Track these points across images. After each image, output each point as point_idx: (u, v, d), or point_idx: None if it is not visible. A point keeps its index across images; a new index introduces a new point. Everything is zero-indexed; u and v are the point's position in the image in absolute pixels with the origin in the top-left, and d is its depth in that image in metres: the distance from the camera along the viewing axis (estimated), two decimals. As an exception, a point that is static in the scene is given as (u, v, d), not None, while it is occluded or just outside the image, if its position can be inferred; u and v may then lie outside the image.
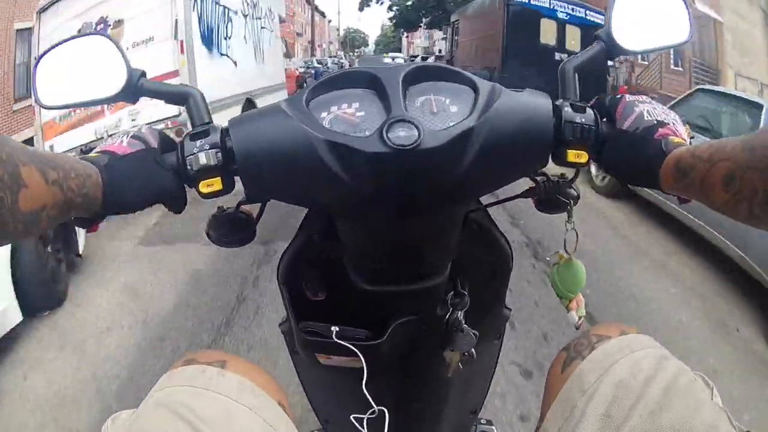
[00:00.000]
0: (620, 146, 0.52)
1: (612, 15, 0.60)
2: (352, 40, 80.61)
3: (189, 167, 0.49)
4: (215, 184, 0.49)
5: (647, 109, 0.53)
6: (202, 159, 0.49)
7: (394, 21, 38.78)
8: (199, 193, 0.50)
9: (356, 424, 0.55)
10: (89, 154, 0.51)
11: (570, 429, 0.51)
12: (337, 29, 72.01)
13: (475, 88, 0.51)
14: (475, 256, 0.63)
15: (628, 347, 0.54)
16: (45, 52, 0.59)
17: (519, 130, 0.50)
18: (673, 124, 0.52)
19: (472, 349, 0.61)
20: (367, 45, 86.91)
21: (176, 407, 0.48)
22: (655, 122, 0.52)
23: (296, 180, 0.49)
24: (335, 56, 31.86)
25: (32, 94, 0.60)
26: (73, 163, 0.44)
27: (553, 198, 0.61)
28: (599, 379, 0.52)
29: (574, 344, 0.59)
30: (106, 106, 4.59)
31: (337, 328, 0.58)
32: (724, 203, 0.42)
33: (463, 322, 0.61)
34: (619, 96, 0.56)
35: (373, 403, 0.54)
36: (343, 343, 0.57)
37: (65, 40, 0.58)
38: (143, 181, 0.50)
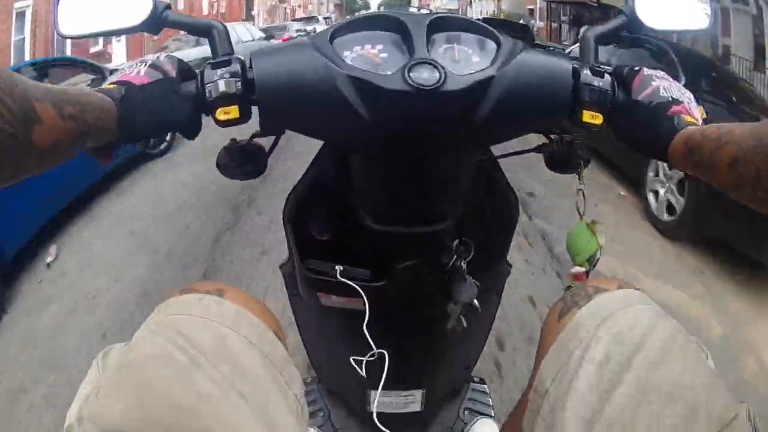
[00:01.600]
0: (634, 116, 0.54)
1: None
2: (349, 2, 71.48)
3: (208, 94, 0.49)
4: (232, 111, 0.49)
5: (663, 85, 0.55)
6: (222, 86, 0.49)
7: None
8: (216, 120, 0.50)
9: (355, 366, 0.54)
10: (106, 85, 0.51)
11: (567, 376, 0.50)
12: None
13: (497, 42, 0.52)
14: (482, 206, 0.63)
15: (626, 300, 0.54)
16: (67, -17, 0.59)
17: (538, 86, 0.51)
18: (688, 103, 0.54)
19: (475, 301, 0.61)
20: (369, 8, 77.21)
21: (172, 335, 0.48)
22: (670, 99, 0.53)
23: (315, 112, 0.49)
24: (328, 16, 25.73)
25: (53, 24, 0.59)
26: (89, 97, 0.45)
27: (565, 157, 0.62)
28: (597, 328, 0.52)
29: (571, 294, 0.59)
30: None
31: (342, 267, 0.58)
32: (728, 184, 0.44)
33: (466, 271, 0.61)
34: (637, 68, 0.57)
35: (373, 345, 0.54)
36: (347, 281, 0.56)
37: None
38: (159, 110, 0.50)
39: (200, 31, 0.55)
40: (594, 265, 0.65)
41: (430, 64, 0.46)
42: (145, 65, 0.52)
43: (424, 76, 0.46)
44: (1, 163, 0.33)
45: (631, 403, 0.46)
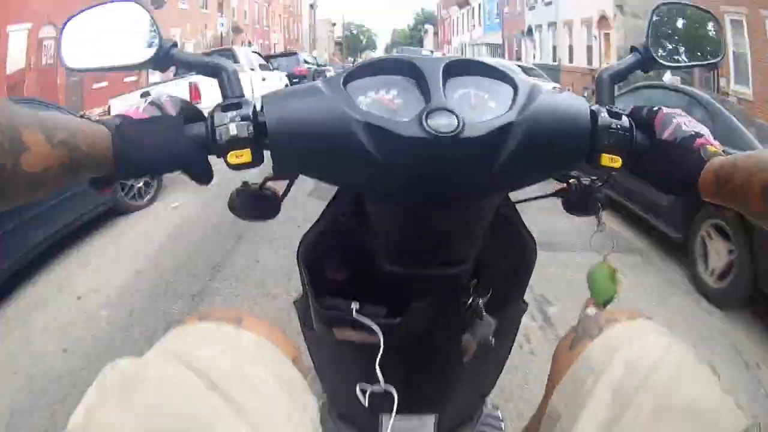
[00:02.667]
0: (659, 155, 0.53)
1: (650, 29, 0.60)
2: (353, 41, 63.76)
3: (218, 138, 0.48)
4: (244, 155, 0.48)
5: (684, 122, 0.55)
6: (233, 130, 0.48)
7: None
8: (228, 163, 0.49)
9: (360, 396, 0.54)
10: (103, 118, 0.50)
11: (578, 404, 0.51)
12: (333, 24, 58.77)
13: (514, 86, 0.51)
14: (500, 249, 0.63)
15: (638, 331, 0.55)
16: (74, 15, 0.58)
17: (556, 130, 0.50)
18: (708, 136, 0.54)
19: (491, 337, 0.61)
20: (375, 48, 69.00)
21: (187, 358, 0.46)
22: (693, 133, 0.53)
23: (329, 158, 0.49)
24: (313, 64, 18.45)
25: (58, 56, 0.58)
26: (81, 125, 0.44)
27: (582, 200, 0.61)
28: (609, 359, 0.52)
29: (582, 325, 0.59)
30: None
31: (358, 305, 0.57)
32: (761, 213, 0.44)
33: (483, 310, 0.60)
34: (656, 108, 0.57)
35: (381, 380, 0.54)
36: (362, 319, 0.56)
37: (96, 5, 0.58)
38: (157, 145, 0.49)
39: (208, 71, 0.54)
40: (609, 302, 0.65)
41: (447, 110, 0.46)
42: (145, 102, 0.52)
43: (442, 123, 0.45)
44: None
45: (642, 426, 0.46)
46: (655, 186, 0.56)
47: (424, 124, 0.45)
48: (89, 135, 0.44)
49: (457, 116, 0.45)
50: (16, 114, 0.36)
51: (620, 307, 0.62)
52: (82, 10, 0.58)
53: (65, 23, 0.58)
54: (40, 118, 0.39)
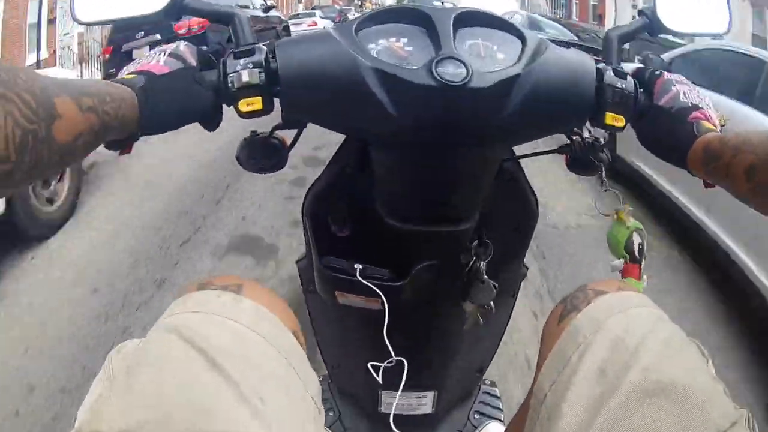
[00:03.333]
0: (654, 121, 0.54)
1: None
2: None
3: (230, 85, 0.49)
4: (255, 103, 0.48)
5: (684, 91, 0.55)
6: (245, 77, 0.48)
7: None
8: (238, 111, 0.49)
9: (373, 373, 0.53)
10: (125, 75, 0.50)
11: (563, 383, 0.50)
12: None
13: (522, 39, 0.51)
14: (502, 208, 0.63)
15: (625, 303, 0.54)
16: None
17: (562, 85, 0.50)
18: (707, 108, 0.54)
19: (491, 302, 0.61)
20: None
21: (188, 334, 0.46)
22: (690, 105, 0.53)
23: (339, 104, 0.49)
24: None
25: (69, 10, 0.58)
26: (108, 88, 0.44)
27: (585, 158, 0.62)
28: (594, 333, 0.51)
29: (570, 297, 0.58)
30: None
31: (361, 266, 0.57)
32: (745, 192, 0.44)
33: (484, 273, 0.60)
34: (658, 72, 0.57)
35: (392, 352, 0.53)
36: (365, 282, 0.55)
37: None
38: (180, 101, 0.50)
39: (221, 18, 0.54)
40: (639, 253, 0.64)
41: (456, 60, 0.46)
42: (165, 54, 0.52)
43: (451, 71, 0.45)
44: (21, 160, 0.33)
45: (626, 409, 0.45)
46: (649, 148, 0.56)
47: (434, 71, 0.45)
48: (116, 98, 0.44)
49: (465, 65, 0.46)
50: (48, 83, 0.36)
51: (610, 279, 0.61)
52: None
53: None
54: (69, 84, 0.39)
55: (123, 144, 0.50)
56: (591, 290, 0.56)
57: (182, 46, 0.53)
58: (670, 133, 0.52)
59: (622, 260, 0.64)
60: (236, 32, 0.53)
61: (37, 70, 0.39)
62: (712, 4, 0.65)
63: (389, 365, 0.53)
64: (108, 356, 0.50)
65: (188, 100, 0.50)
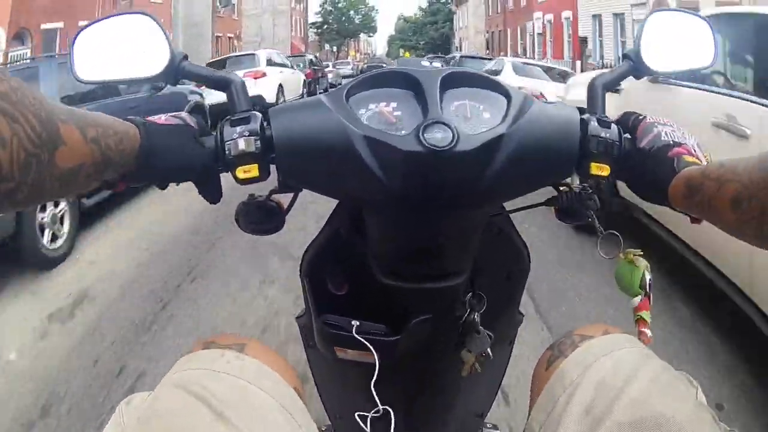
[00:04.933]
0: (636, 162, 0.55)
1: (642, 36, 0.62)
2: (338, 20, 44.52)
3: (227, 152, 0.50)
4: (252, 170, 0.50)
5: (666, 131, 0.56)
6: (241, 145, 0.50)
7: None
8: (236, 178, 0.51)
9: (359, 422, 0.55)
10: (129, 117, 0.51)
11: (552, 424, 0.52)
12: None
13: (508, 97, 0.53)
14: (493, 259, 0.65)
15: (611, 346, 0.56)
16: (85, 27, 0.59)
17: (547, 141, 0.52)
18: (689, 146, 0.54)
19: (488, 350, 0.63)
20: (374, 30, 54.65)
21: (194, 389, 0.49)
22: (671, 142, 0.54)
23: (332, 171, 0.51)
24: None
25: (69, 67, 0.60)
26: (112, 121, 0.45)
27: (574, 208, 0.63)
28: (581, 376, 0.53)
29: (558, 343, 0.61)
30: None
31: (358, 323, 0.59)
32: (731, 223, 0.43)
33: (479, 323, 0.62)
34: (641, 116, 0.58)
35: (378, 402, 0.55)
36: (359, 338, 0.58)
37: (108, 17, 0.59)
38: (180, 151, 0.51)
39: (217, 83, 0.56)
40: (650, 288, 0.65)
41: (443, 124, 0.48)
42: (166, 115, 0.54)
43: (438, 136, 0.47)
44: (24, 181, 0.33)
45: None
46: (633, 191, 0.57)
47: (421, 137, 0.47)
48: (119, 132, 0.45)
49: (452, 129, 0.47)
50: (54, 108, 0.36)
51: (595, 324, 0.63)
52: (93, 22, 0.59)
53: (76, 35, 0.59)
54: (75, 113, 0.39)
55: (116, 183, 0.50)
56: (577, 336, 0.59)
57: (184, 113, 0.55)
58: (651, 172, 0.53)
59: (639, 298, 0.65)
60: (232, 98, 0.54)
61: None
62: (696, 37, 0.66)
63: (376, 415, 0.56)
64: (118, 408, 0.53)
65: (186, 156, 0.51)
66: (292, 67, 12.97)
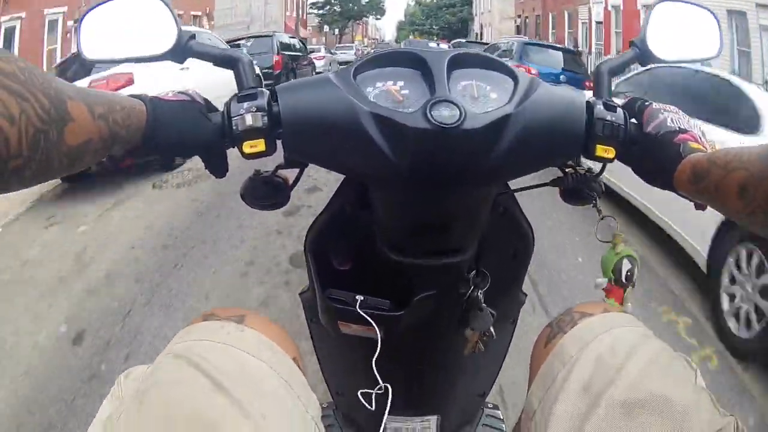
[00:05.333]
0: (642, 147, 0.55)
1: (648, 24, 0.62)
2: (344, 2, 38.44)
3: (234, 127, 0.51)
4: (259, 145, 0.50)
5: (671, 117, 0.56)
6: (249, 120, 0.50)
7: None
8: (242, 153, 0.51)
9: (363, 400, 0.56)
10: (136, 93, 0.52)
11: (550, 400, 0.52)
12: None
13: (515, 79, 0.53)
14: (498, 238, 0.65)
15: (610, 323, 0.56)
16: (93, 7, 0.59)
17: (553, 122, 0.52)
18: (694, 132, 0.55)
19: (491, 328, 0.63)
20: (383, 13, 47.32)
21: (195, 359, 0.49)
22: (677, 129, 0.54)
23: (338, 148, 0.51)
24: None
25: (77, 46, 0.60)
26: (119, 98, 0.46)
27: (578, 189, 0.63)
28: (579, 352, 0.53)
29: (557, 320, 0.61)
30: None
31: (362, 298, 0.60)
32: (738, 211, 0.43)
33: (482, 301, 0.62)
34: (647, 102, 0.59)
35: (379, 379, 0.56)
36: (363, 314, 0.58)
37: None
38: (186, 126, 0.51)
39: (225, 62, 0.56)
40: (629, 276, 0.66)
41: (450, 102, 0.48)
42: (173, 91, 0.54)
43: (445, 114, 0.47)
44: (32, 158, 0.33)
45: (609, 423, 0.47)
46: (638, 175, 0.57)
47: (428, 115, 0.47)
48: (126, 108, 0.46)
49: (459, 107, 0.47)
50: (64, 86, 0.37)
51: (596, 302, 0.63)
52: (102, 2, 0.60)
53: (84, 14, 0.60)
54: (82, 90, 0.40)
55: (121, 157, 0.51)
56: (577, 313, 0.59)
57: (191, 90, 0.55)
58: (657, 157, 0.53)
59: (605, 280, 0.67)
60: (239, 76, 0.55)
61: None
62: (702, 28, 0.66)
63: (380, 392, 0.56)
64: (117, 380, 0.53)
65: (193, 130, 0.51)
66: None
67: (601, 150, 0.54)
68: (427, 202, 0.54)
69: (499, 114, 0.49)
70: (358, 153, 0.50)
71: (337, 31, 43.09)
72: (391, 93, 0.51)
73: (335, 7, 40.81)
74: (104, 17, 0.58)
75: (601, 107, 0.54)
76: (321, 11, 40.91)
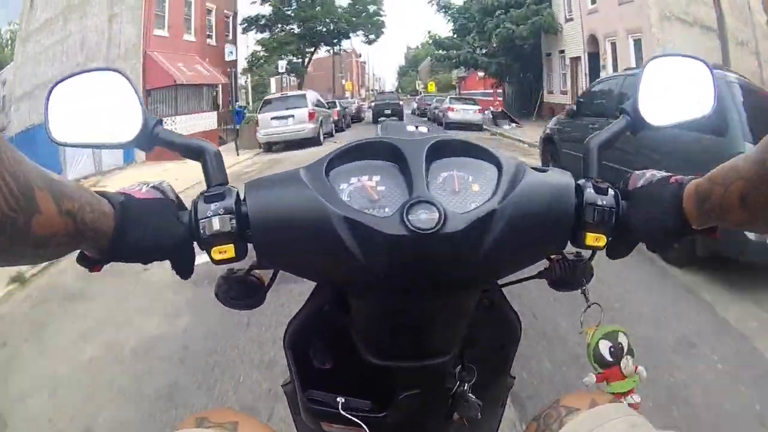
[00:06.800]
0: (638, 203, 0.53)
1: (640, 86, 0.59)
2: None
3: (202, 231, 0.48)
4: (228, 251, 0.48)
5: (655, 172, 0.55)
6: (216, 224, 0.48)
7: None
8: (212, 259, 0.49)
9: None
10: (107, 192, 0.50)
11: None
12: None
13: (499, 167, 0.50)
14: (484, 333, 0.63)
15: (599, 419, 0.55)
16: (56, 83, 0.57)
17: (541, 213, 0.50)
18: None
19: (478, 414, 0.61)
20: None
21: None
22: (668, 174, 0.54)
23: (309, 253, 0.49)
24: None
25: (44, 127, 0.58)
26: (89, 197, 0.44)
27: (568, 278, 0.61)
28: None
29: (543, 415, 0.60)
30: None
31: (343, 399, 0.58)
32: (743, 221, 0.44)
33: (469, 392, 0.61)
34: (629, 174, 0.57)
35: None
36: (348, 415, 0.56)
37: (78, 72, 0.57)
38: (156, 229, 0.49)
39: (191, 153, 0.54)
40: (617, 350, 0.64)
41: (429, 203, 0.46)
42: (147, 186, 0.52)
43: (423, 217, 0.45)
44: None
45: None
46: (645, 239, 0.54)
47: (405, 219, 0.45)
48: (94, 209, 0.44)
49: (438, 209, 0.45)
50: (32, 172, 0.36)
51: (582, 392, 0.62)
52: (64, 78, 0.57)
53: (50, 91, 0.57)
54: (52, 182, 0.39)
55: (94, 262, 0.50)
56: (563, 408, 0.57)
57: (165, 183, 0.53)
58: (659, 199, 0.51)
59: (592, 376, 0.65)
60: (206, 169, 0.52)
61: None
62: (696, 82, 0.63)
63: None
64: None
65: (163, 233, 0.49)
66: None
67: (592, 238, 0.51)
68: (406, 307, 0.52)
69: (483, 212, 0.47)
70: (331, 259, 0.48)
71: (291, 69, 23.33)
72: (366, 190, 0.49)
73: (290, 22, 22.31)
74: (69, 95, 0.56)
75: (592, 191, 0.51)
76: (256, 27, 22.10)
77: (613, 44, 13.75)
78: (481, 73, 22.72)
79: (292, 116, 13.08)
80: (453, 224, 0.45)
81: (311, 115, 13.38)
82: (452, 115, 17.46)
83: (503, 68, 20.04)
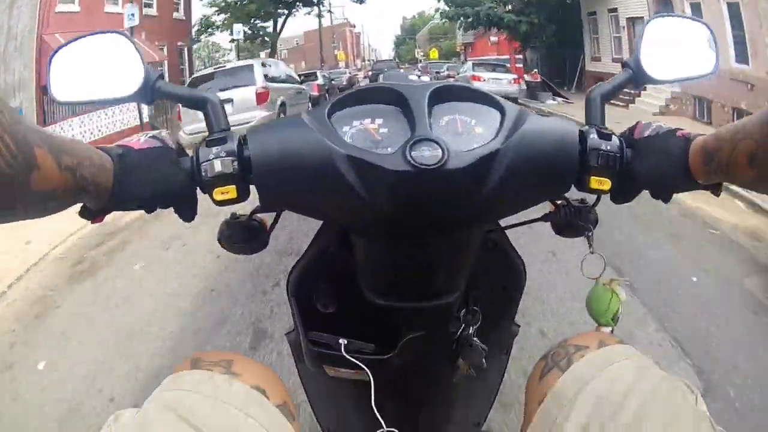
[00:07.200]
0: (644, 152, 0.52)
1: (641, 43, 0.60)
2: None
3: (204, 174, 0.48)
4: (230, 192, 0.48)
5: (662, 123, 0.55)
6: (218, 166, 0.48)
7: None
8: (213, 200, 0.49)
9: None
10: (107, 146, 0.50)
11: None
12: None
13: (501, 111, 0.50)
14: (489, 274, 0.62)
15: (607, 359, 0.54)
16: (61, 47, 0.58)
17: (544, 156, 0.49)
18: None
19: (483, 361, 0.61)
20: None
21: (184, 414, 0.48)
22: (674, 128, 0.53)
23: (313, 192, 0.49)
24: None
25: (46, 88, 0.58)
26: (88, 151, 0.45)
27: (573, 223, 0.61)
28: (577, 394, 0.52)
29: (551, 354, 0.59)
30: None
31: (346, 341, 0.57)
32: (750, 180, 0.44)
33: (474, 336, 0.60)
34: (636, 122, 0.57)
35: (383, 423, 0.54)
36: (350, 357, 0.56)
37: (82, 36, 0.58)
38: (156, 178, 0.49)
39: (194, 103, 0.54)
40: (617, 321, 0.64)
41: (431, 141, 0.45)
42: (146, 136, 0.53)
43: (426, 154, 0.45)
44: None
45: None
46: (649, 187, 0.54)
47: (408, 156, 0.44)
48: (94, 163, 0.45)
49: (441, 146, 0.45)
50: (31, 131, 0.36)
51: (589, 333, 0.61)
52: (69, 42, 0.58)
53: (53, 54, 0.58)
54: (51, 139, 0.39)
55: (95, 213, 0.50)
56: (572, 346, 0.57)
57: (164, 132, 0.54)
58: (665, 151, 0.51)
59: (609, 329, 0.64)
60: (209, 118, 0.52)
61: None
62: (696, 44, 0.63)
63: None
64: (106, 424, 0.51)
65: (163, 181, 0.50)
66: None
67: (596, 182, 0.51)
68: (411, 246, 0.52)
69: (485, 151, 0.46)
70: (334, 198, 0.48)
71: (259, 33, 21.11)
72: (369, 132, 0.48)
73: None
74: (72, 57, 0.57)
75: (595, 136, 0.51)
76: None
77: (697, 6, 9.15)
78: (496, 38, 18.17)
79: (231, 100, 7.99)
80: (456, 162, 0.45)
81: (261, 96, 8.54)
82: (479, 87, 12.30)
83: (534, 29, 15.19)
